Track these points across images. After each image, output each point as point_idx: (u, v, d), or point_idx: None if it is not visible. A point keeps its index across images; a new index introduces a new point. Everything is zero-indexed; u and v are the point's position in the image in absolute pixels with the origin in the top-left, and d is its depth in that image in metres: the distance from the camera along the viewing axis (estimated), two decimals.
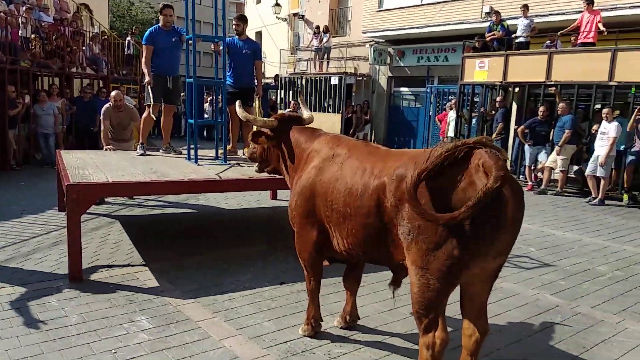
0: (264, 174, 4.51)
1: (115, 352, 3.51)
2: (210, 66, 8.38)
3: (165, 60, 7.16)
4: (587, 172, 10.35)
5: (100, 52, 15.87)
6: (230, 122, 7.69)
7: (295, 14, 24.95)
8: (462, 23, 15.97)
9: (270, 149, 4.02)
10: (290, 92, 21.42)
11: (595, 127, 10.47)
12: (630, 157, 10.19)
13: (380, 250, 3.10)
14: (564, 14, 13.31)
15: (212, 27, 7.40)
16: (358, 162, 3.25)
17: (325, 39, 20.39)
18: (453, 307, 3.14)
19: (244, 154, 6.69)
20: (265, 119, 4.03)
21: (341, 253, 3.42)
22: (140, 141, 7.51)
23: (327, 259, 3.76)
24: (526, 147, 11.60)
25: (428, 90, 17.49)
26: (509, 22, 13.54)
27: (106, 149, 7.95)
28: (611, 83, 10.61)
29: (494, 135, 12.82)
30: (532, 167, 11.60)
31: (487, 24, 14.20)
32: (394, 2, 18.25)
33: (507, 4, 14.41)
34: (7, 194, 8.91)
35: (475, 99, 14.17)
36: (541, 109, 11.27)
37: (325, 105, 20.01)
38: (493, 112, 13.19)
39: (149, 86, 7.01)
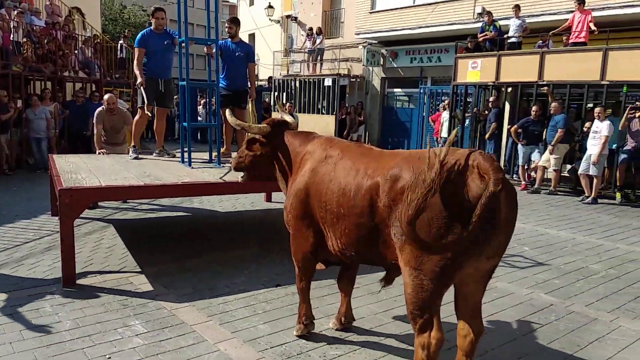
0: None
1: (110, 357, 3.49)
2: (204, 69, 8.37)
3: (157, 63, 7.15)
4: (579, 171, 10.40)
5: (92, 55, 15.80)
6: (224, 125, 7.66)
7: (288, 16, 24.95)
8: (455, 24, 16.01)
9: (261, 155, 3.97)
10: (284, 93, 21.41)
11: (587, 124, 10.52)
12: (623, 156, 10.24)
13: (373, 250, 3.11)
14: (555, 14, 13.37)
15: (205, 30, 7.37)
16: (351, 162, 3.27)
17: (318, 41, 20.40)
18: (448, 307, 3.15)
19: None
20: (259, 125, 4.00)
21: (335, 254, 3.43)
22: (133, 144, 7.48)
23: (323, 262, 3.77)
24: (519, 146, 11.65)
25: (421, 91, 17.53)
26: (501, 22, 13.58)
27: (99, 153, 7.92)
28: (603, 82, 10.66)
29: (487, 136, 12.88)
30: (526, 167, 11.64)
31: (479, 25, 14.24)
32: (387, 3, 18.28)
33: (499, 5, 14.46)
34: None
35: (468, 100, 14.22)
36: (534, 108, 11.32)
37: (319, 107, 20.03)
38: (486, 112, 13.23)
39: (142, 87, 6.98)
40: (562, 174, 11.19)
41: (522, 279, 5.40)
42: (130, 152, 7.36)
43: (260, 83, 22.56)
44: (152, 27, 7.20)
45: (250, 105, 7.49)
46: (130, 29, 24.44)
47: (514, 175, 12.18)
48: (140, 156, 7.32)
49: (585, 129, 10.56)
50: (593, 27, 11.47)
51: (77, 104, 13.25)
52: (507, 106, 13.09)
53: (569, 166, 11.36)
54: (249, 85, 7.65)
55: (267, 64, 25.83)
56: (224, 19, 11.20)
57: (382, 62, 19.59)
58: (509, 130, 12.27)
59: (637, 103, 10.24)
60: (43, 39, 13.84)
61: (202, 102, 19.79)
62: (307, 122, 18.17)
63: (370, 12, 18.86)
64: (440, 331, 2.78)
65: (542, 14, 13.73)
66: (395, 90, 19.87)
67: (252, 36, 27.84)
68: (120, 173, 5.96)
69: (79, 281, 4.87)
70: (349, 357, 3.61)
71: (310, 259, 3.65)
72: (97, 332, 3.85)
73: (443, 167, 2.53)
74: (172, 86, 7.60)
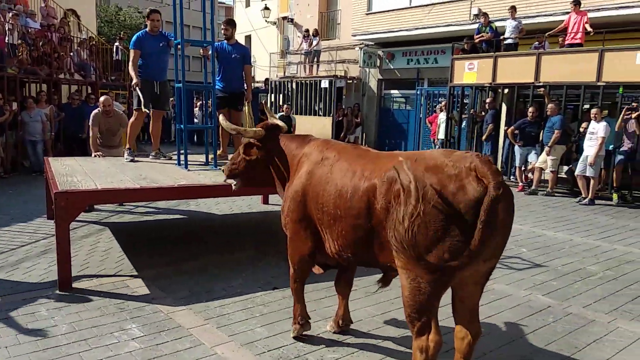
0: None
1: None
2: (200, 70, 8.36)
3: (153, 66, 7.12)
4: (576, 172, 10.41)
5: (88, 57, 15.79)
6: (220, 127, 7.64)
7: (284, 18, 24.97)
8: (451, 25, 16.02)
9: (257, 159, 3.92)
10: (281, 95, 21.39)
11: (584, 124, 10.52)
12: (619, 157, 10.26)
13: (369, 252, 3.10)
14: (551, 15, 13.40)
15: (200, 32, 7.36)
16: (347, 164, 3.27)
17: (314, 43, 20.40)
18: (445, 309, 3.14)
19: None
20: (254, 129, 3.96)
21: (333, 256, 3.42)
22: (128, 146, 7.44)
23: (321, 266, 3.76)
24: (516, 147, 11.65)
25: (418, 92, 17.55)
26: (497, 23, 13.62)
27: (95, 156, 7.88)
28: (599, 83, 10.67)
29: (484, 137, 12.89)
30: (523, 168, 11.65)
31: (475, 26, 14.26)
32: (383, 4, 18.31)
33: (495, 6, 14.49)
34: None
35: (465, 101, 14.23)
36: (530, 109, 11.33)
37: (316, 108, 20.01)
38: (483, 113, 13.24)
39: (137, 88, 6.93)
40: (559, 175, 11.20)
41: (520, 281, 5.39)
42: (125, 154, 7.32)
43: (256, 85, 22.54)
44: (147, 29, 7.18)
45: (246, 107, 7.49)
46: (126, 31, 24.45)
47: (511, 177, 12.18)
48: (135, 159, 7.29)
49: (581, 130, 10.57)
50: (589, 29, 11.50)
51: (72, 107, 13.20)
52: (504, 107, 13.11)
53: (566, 167, 11.37)
54: (245, 87, 7.63)
55: (264, 66, 25.83)
56: (220, 20, 11.17)
57: (378, 64, 19.60)
58: (505, 131, 12.28)
59: (633, 104, 10.26)
60: (38, 41, 13.82)
61: (198, 104, 19.75)
62: (304, 124, 18.15)
63: (367, 14, 18.88)
64: (438, 334, 2.77)
65: (537, 15, 13.75)
66: (392, 91, 19.88)
67: (248, 38, 27.84)
68: (116, 176, 5.93)
69: (75, 284, 4.85)
70: None
71: (307, 261, 3.64)
72: (93, 336, 3.83)
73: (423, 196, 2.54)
74: (167, 88, 7.57)
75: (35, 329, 3.93)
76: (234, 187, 4.19)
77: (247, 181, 4.12)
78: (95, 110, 8.35)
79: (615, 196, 10.28)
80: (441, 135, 14.44)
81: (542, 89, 11.82)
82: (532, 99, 12.01)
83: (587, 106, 11.37)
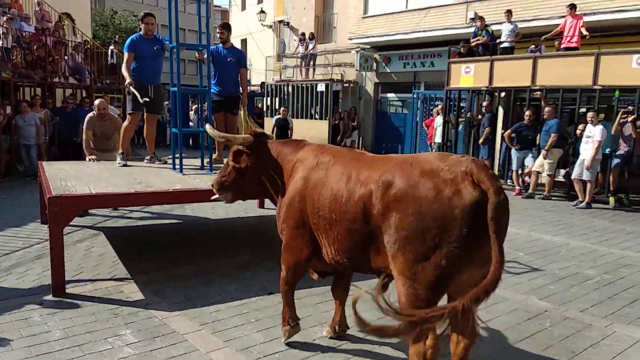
0: None
1: None
2: (196, 74, 8.33)
3: (147, 69, 7.07)
4: (573, 176, 10.41)
5: (83, 61, 15.75)
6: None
7: (280, 21, 24.99)
8: (447, 29, 16.06)
9: (247, 168, 3.82)
10: (277, 99, 21.38)
11: (581, 126, 10.53)
12: (616, 160, 10.27)
13: (365, 257, 3.07)
14: (547, 19, 13.43)
15: (196, 35, 7.34)
16: (343, 168, 3.24)
17: (311, 46, 20.42)
18: None
19: None
20: (243, 135, 3.91)
21: (330, 262, 3.38)
22: (121, 151, 7.37)
23: (318, 273, 3.73)
24: (513, 151, 11.65)
25: (415, 96, 17.56)
26: (494, 27, 13.64)
27: (89, 159, 7.84)
28: (595, 87, 10.70)
29: (480, 140, 12.89)
30: (519, 172, 11.65)
31: (472, 30, 14.30)
32: (379, 8, 18.34)
33: (491, 10, 14.52)
34: None
35: (461, 104, 14.23)
36: (527, 113, 11.34)
37: (312, 112, 20.00)
38: (480, 117, 13.24)
39: (131, 87, 6.87)
40: (556, 179, 11.20)
41: (517, 285, 5.37)
42: (118, 159, 7.24)
43: (252, 88, 22.53)
44: (141, 33, 7.14)
45: (242, 111, 7.46)
46: (121, 35, 24.38)
47: (508, 180, 12.18)
48: (128, 163, 7.22)
49: (578, 132, 10.58)
50: (585, 32, 11.54)
51: (67, 110, 13.18)
52: (501, 111, 13.12)
53: (562, 171, 11.37)
54: (241, 91, 7.61)
55: (260, 69, 25.83)
56: (216, 24, 11.18)
57: (375, 67, 19.62)
58: (502, 135, 12.29)
59: (630, 107, 10.28)
60: (33, 45, 13.79)
61: (193, 107, 19.72)
62: (300, 127, 18.14)
63: (363, 17, 18.90)
64: (435, 339, 2.75)
65: (534, 19, 13.79)
66: (389, 95, 19.90)
67: (244, 41, 27.86)
68: (110, 180, 5.89)
69: (68, 290, 4.80)
70: None
71: (302, 267, 3.61)
72: (87, 342, 3.79)
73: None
74: (162, 92, 7.53)
75: (28, 334, 3.89)
76: (224, 201, 4.08)
77: (237, 193, 4.00)
78: (90, 114, 8.31)
79: (611, 200, 10.28)
80: (438, 138, 14.44)
81: (538, 93, 11.85)
82: (529, 102, 12.02)
83: (583, 110, 11.38)
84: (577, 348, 3.92)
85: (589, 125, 10.07)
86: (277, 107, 20.52)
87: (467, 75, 13.20)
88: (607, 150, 10.38)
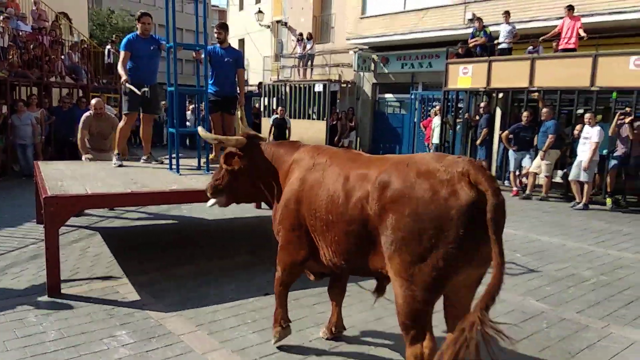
0: None
1: None
2: (193, 74, 8.31)
3: (143, 69, 7.04)
4: (570, 177, 10.42)
5: (79, 61, 15.71)
6: (213, 131, 7.58)
7: (278, 21, 24.97)
8: (445, 29, 16.07)
9: (240, 170, 3.77)
10: (274, 99, 21.36)
11: (578, 127, 10.54)
12: (613, 162, 10.28)
13: (363, 259, 3.05)
14: (545, 20, 13.45)
15: (193, 35, 7.32)
16: (339, 169, 3.22)
17: (308, 46, 20.40)
18: (436, 315, 3.10)
19: None
20: (236, 137, 3.85)
21: (327, 264, 3.35)
22: (117, 151, 7.33)
23: (315, 274, 3.71)
24: (510, 152, 11.65)
25: (412, 96, 17.56)
26: (491, 28, 13.65)
27: (85, 158, 7.80)
28: (593, 88, 10.71)
29: (478, 141, 12.90)
30: (517, 173, 11.65)
31: (469, 30, 14.30)
32: (377, 8, 18.34)
33: (489, 11, 14.53)
34: None
35: (459, 105, 14.24)
36: (525, 114, 11.33)
37: (310, 112, 19.97)
38: (477, 117, 13.25)
39: (127, 83, 6.77)
40: (553, 180, 11.21)
41: (514, 286, 5.37)
42: (114, 159, 7.19)
43: (250, 88, 22.49)
44: (138, 32, 7.11)
45: (239, 111, 7.43)
46: (118, 34, 24.32)
47: (506, 181, 12.18)
48: (123, 164, 7.18)
49: (575, 132, 10.59)
50: (582, 34, 11.56)
51: (63, 110, 13.13)
52: (498, 112, 13.13)
53: (560, 172, 11.38)
54: (238, 91, 7.58)
55: (258, 69, 25.80)
56: (214, 24, 11.14)
57: (373, 68, 19.61)
58: (500, 136, 12.29)
59: (627, 109, 10.29)
60: (29, 44, 13.74)
61: (190, 107, 19.68)
62: (298, 127, 18.11)
63: (361, 18, 18.90)
64: (433, 340, 2.74)
65: (531, 20, 13.81)
66: (387, 95, 19.91)
67: (242, 41, 27.84)
68: (106, 180, 5.87)
69: (64, 290, 4.77)
70: None
71: (298, 268, 3.59)
72: (82, 343, 3.77)
73: None
74: (158, 92, 7.50)
75: (23, 335, 3.86)
76: (218, 205, 4.03)
77: (231, 196, 3.96)
78: (87, 113, 8.27)
79: (609, 201, 10.29)
80: (435, 139, 14.45)
81: (536, 94, 11.85)
82: (527, 103, 12.03)
83: (581, 111, 11.39)
84: (573, 349, 3.92)
85: (587, 127, 10.08)
86: (274, 107, 20.49)
87: (465, 76, 13.20)
88: (605, 152, 10.40)
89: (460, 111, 14.17)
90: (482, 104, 13.07)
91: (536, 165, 10.98)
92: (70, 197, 4.84)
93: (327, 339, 3.93)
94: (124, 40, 7.09)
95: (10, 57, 12.84)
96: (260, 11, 25.57)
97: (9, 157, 12.37)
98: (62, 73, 14.79)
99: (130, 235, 7.29)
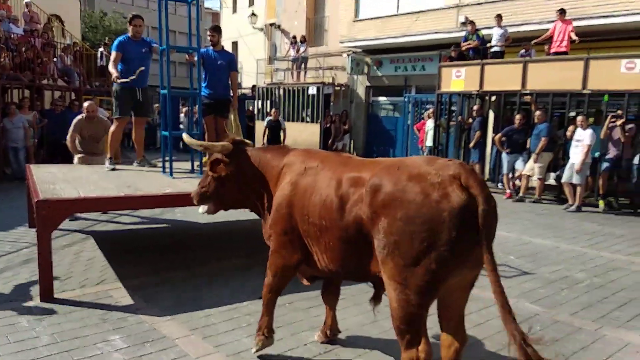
0: None
1: None
2: (186, 77, 8.29)
3: (135, 71, 7.01)
4: (563, 180, 10.48)
5: (72, 63, 15.63)
6: (206, 134, 7.57)
7: (271, 24, 24.95)
8: (438, 32, 16.10)
9: (226, 177, 3.73)
10: (268, 102, 21.33)
11: (570, 128, 10.59)
12: (605, 164, 10.34)
13: (357, 264, 3.04)
14: (537, 23, 13.51)
15: (186, 38, 7.30)
16: (331, 173, 3.20)
17: (302, 49, 20.39)
18: (430, 318, 3.10)
19: None
20: (222, 143, 3.79)
21: (322, 270, 3.33)
22: (109, 156, 7.29)
23: (308, 278, 3.68)
24: (503, 155, 11.70)
25: (406, 99, 17.59)
26: (484, 31, 13.71)
27: (78, 159, 7.76)
28: (585, 91, 10.78)
29: (471, 144, 12.94)
30: (510, 175, 11.70)
31: (462, 34, 14.36)
32: (371, 11, 18.36)
33: (481, 14, 14.59)
34: None
35: (452, 108, 14.28)
36: (517, 117, 11.39)
37: (304, 115, 19.94)
38: (470, 120, 13.29)
39: (118, 80, 6.74)
40: (546, 182, 11.26)
41: (508, 289, 5.27)
42: (107, 163, 7.15)
43: (243, 91, 22.46)
44: (129, 35, 7.08)
45: (232, 114, 7.43)
46: (111, 37, 24.25)
47: (499, 184, 12.22)
48: (117, 167, 7.15)
49: (568, 133, 10.65)
50: (574, 37, 11.62)
51: (56, 113, 13.04)
52: (491, 115, 13.18)
53: (553, 174, 11.44)
54: (232, 94, 7.57)
55: (251, 72, 25.78)
56: (207, 26, 11.14)
57: (366, 71, 19.64)
58: (493, 138, 12.34)
59: (618, 111, 10.35)
60: (21, 47, 13.67)
61: (184, 110, 19.63)
62: (292, 130, 18.07)
63: (354, 21, 18.92)
64: (428, 344, 2.74)
65: (523, 24, 13.87)
66: (380, 98, 19.93)
67: (235, 44, 27.80)
68: (99, 183, 5.84)
69: (57, 295, 4.74)
70: None
71: (292, 272, 3.54)
72: (75, 348, 3.74)
73: None
74: (149, 94, 7.47)
75: (15, 340, 3.83)
76: (205, 212, 4.00)
77: (218, 203, 3.93)
78: (79, 116, 8.24)
79: (601, 203, 10.35)
80: (429, 142, 14.49)
81: (528, 97, 11.91)
82: (519, 106, 12.09)
83: (573, 114, 11.45)
84: (567, 351, 3.93)
85: (579, 129, 10.15)
86: (268, 110, 20.46)
87: (458, 79, 13.25)
88: (597, 154, 10.47)
89: (454, 114, 14.21)
90: (475, 107, 13.11)
91: (529, 168, 11.03)
92: (63, 201, 4.81)
93: (322, 342, 3.92)
94: (116, 42, 7.07)
95: (2, 59, 12.78)
96: (253, 14, 25.55)
97: (0, 161, 12.28)
98: (55, 76, 14.72)
99: (123, 239, 7.26)
